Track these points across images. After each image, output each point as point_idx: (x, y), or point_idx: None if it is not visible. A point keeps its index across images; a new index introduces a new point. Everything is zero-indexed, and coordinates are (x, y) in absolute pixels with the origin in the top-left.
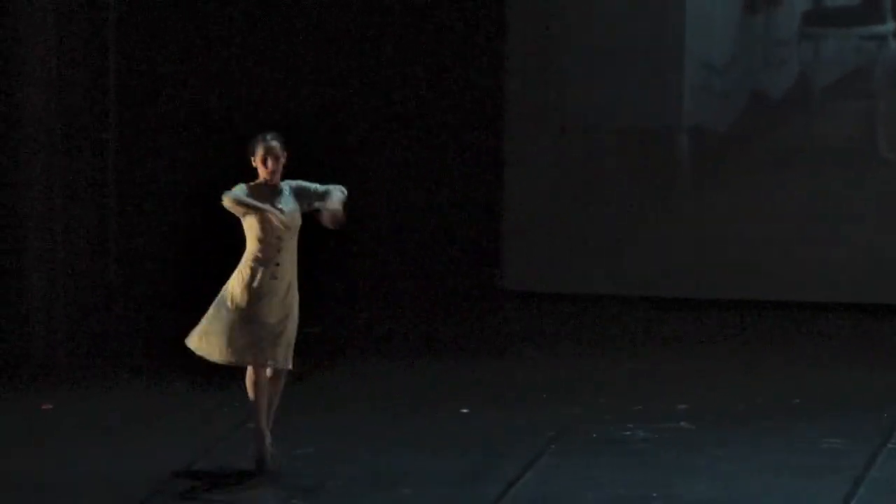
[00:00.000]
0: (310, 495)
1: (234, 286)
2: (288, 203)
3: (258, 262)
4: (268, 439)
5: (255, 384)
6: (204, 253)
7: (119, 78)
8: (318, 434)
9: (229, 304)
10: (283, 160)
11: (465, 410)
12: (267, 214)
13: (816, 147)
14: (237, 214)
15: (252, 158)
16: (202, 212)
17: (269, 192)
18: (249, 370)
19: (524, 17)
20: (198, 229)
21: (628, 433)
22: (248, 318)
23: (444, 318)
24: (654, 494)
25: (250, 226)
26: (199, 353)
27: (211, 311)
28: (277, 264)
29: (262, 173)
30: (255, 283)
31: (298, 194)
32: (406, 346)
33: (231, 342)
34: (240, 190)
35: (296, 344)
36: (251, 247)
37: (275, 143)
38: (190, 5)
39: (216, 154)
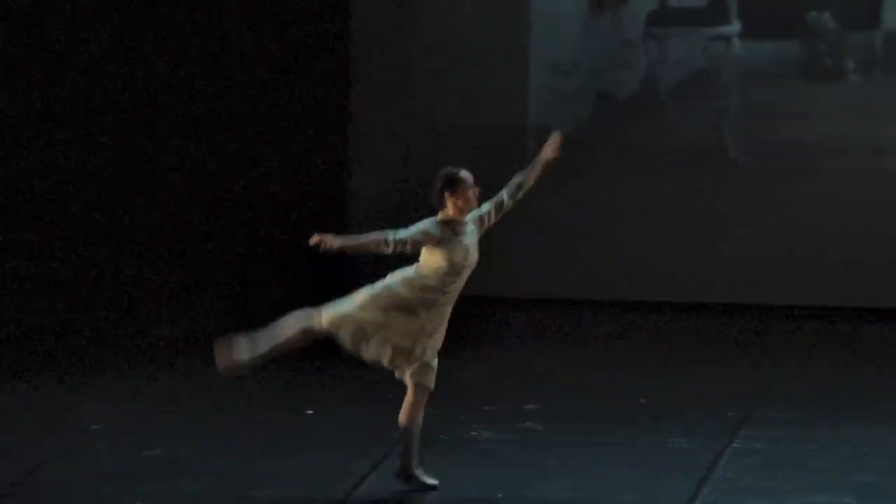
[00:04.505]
0: (173, 497)
1: None
2: (471, 238)
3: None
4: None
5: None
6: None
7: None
8: (167, 436)
9: None
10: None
11: (310, 412)
12: None
13: (663, 147)
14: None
15: (445, 193)
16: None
17: (457, 228)
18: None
19: (370, 16)
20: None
21: (474, 433)
22: None
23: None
24: (501, 495)
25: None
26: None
27: None
28: (444, 299)
29: (462, 207)
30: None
31: (477, 223)
32: None
33: None
34: (430, 226)
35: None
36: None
37: (472, 175)
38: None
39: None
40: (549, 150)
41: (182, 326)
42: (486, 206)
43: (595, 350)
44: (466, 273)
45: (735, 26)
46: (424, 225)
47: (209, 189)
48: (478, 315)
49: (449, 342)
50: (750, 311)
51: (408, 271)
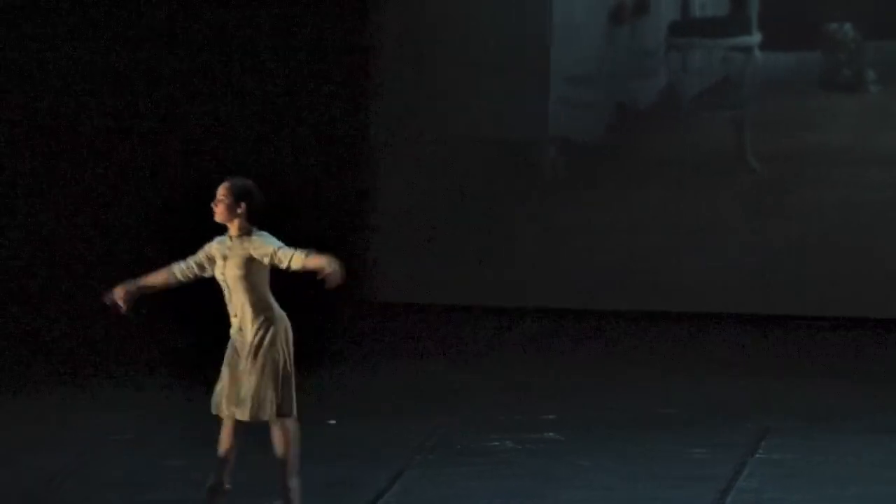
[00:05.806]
0: None
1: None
2: (223, 257)
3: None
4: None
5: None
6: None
7: None
8: (185, 446)
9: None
10: (227, 202)
11: (332, 422)
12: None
13: (684, 157)
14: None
15: None
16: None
17: (230, 240)
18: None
19: (390, 27)
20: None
21: (496, 444)
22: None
23: (311, 329)
24: None
25: None
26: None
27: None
28: (235, 316)
29: None
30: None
31: (255, 248)
32: None
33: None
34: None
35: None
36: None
37: (222, 186)
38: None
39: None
40: (330, 272)
41: (196, 337)
42: (270, 250)
43: (614, 360)
44: (233, 293)
45: (756, 37)
46: None
47: None
48: (486, 326)
49: (465, 352)
50: (772, 321)
51: None
